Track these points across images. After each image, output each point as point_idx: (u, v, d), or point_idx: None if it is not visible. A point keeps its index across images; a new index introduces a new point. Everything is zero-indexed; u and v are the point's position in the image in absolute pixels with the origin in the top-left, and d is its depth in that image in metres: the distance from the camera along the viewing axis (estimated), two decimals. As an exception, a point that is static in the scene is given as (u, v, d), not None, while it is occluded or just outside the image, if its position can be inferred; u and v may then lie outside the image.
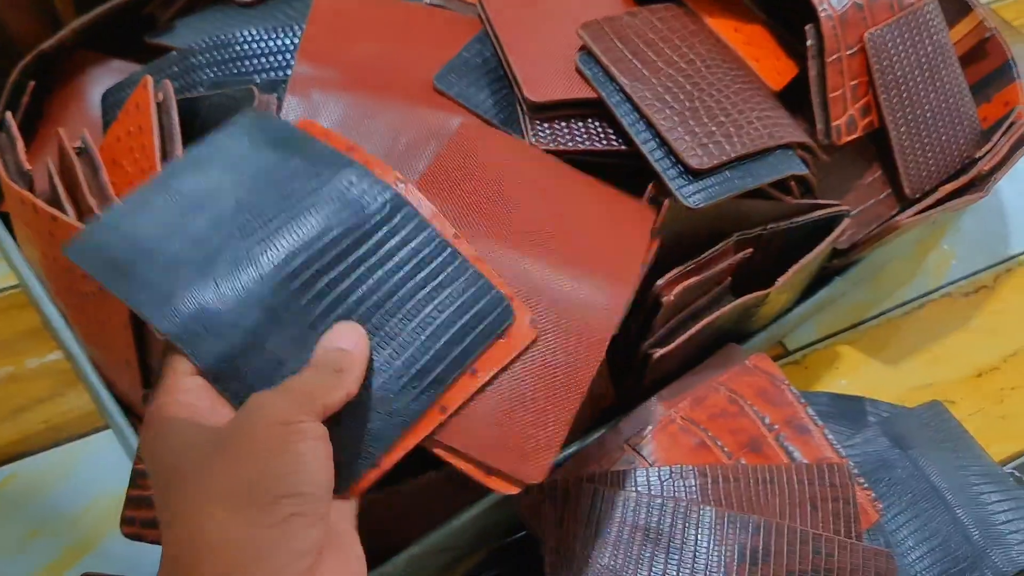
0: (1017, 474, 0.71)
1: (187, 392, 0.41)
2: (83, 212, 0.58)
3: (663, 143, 0.58)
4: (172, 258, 0.43)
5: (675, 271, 0.60)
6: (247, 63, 0.62)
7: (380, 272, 0.45)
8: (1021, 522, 0.67)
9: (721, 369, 0.68)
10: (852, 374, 0.77)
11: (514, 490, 0.45)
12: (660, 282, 0.59)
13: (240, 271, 0.43)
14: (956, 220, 0.88)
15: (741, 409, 0.67)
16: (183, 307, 0.41)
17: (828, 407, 0.72)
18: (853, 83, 0.69)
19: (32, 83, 0.66)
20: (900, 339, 0.80)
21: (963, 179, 0.73)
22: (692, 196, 0.57)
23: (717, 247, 0.61)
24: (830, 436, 0.67)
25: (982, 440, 0.72)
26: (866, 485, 0.65)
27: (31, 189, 0.62)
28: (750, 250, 0.63)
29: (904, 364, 0.78)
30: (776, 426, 0.66)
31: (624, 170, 0.60)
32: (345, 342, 0.43)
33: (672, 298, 0.59)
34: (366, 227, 0.46)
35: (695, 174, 0.58)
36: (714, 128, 0.60)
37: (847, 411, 0.72)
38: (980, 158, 0.75)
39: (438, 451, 0.45)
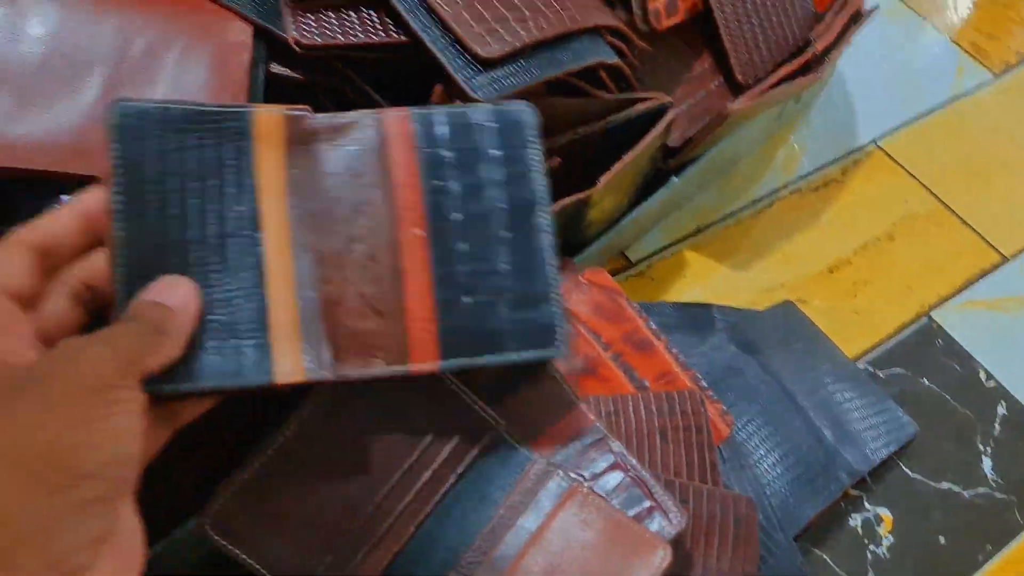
0: (871, 369, 0.68)
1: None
2: None
3: (447, 31, 0.51)
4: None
5: None
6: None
7: None
8: (874, 418, 0.63)
9: (550, 286, 0.62)
10: (702, 281, 0.72)
11: None
12: None
13: None
14: (804, 115, 0.84)
15: (574, 331, 0.61)
16: None
17: (673, 317, 0.67)
18: (672, -39, 0.63)
19: None
20: (749, 240, 0.75)
21: (797, 61, 0.68)
22: (482, 89, 0.50)
23: None
24: (674, 349, 0.62)
25: (837, 337, 0.69)
26: (714, 397, 0.61)
27: None
28: (557, 160, 0.57)
29: (755, 266, 0.74)
30: (612, 345, 0.61)
31: (406, 66, 0.53)
32: (171, 298, 0.36)
33: None
34: None
35: (485, 63, 0.51)
36: (506, 12, 0.53)
37: (694, 320, 0.68)
38: (814, 39, 0.70)
39: None
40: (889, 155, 0.82)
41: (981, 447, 0.64)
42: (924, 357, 0.69)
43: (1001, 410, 0.66)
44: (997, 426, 0.65)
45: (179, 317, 0.35)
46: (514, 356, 0.41)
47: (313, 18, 0.51)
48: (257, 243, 0.38)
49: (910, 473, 0.63)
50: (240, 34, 0.52)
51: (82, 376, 0.30)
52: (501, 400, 0.47)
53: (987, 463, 0.63)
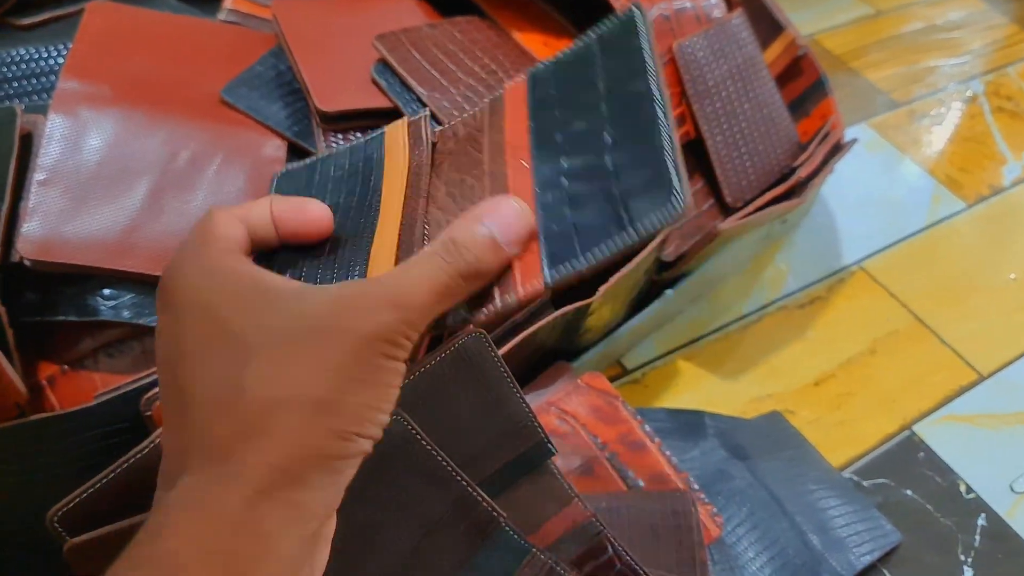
0: (856, 478, 0.71)
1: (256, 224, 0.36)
2: None
3: (463, 151, 0.56)
4: None
5: None
6: (17, 84, 0.58)
7: None
8: (859, 525, 0.66)
9: (550, 389, 0.66)
10: (692, 390, 0.76)
11: None
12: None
13: None
14: (789, 237, 0.89)
15: (572, 430, 0.64)
16: None
17: (666, 422, 0.71)
18: (665, 92, 0.69)
19: None
20: (739, 353, 0.79)
21: (782, 186, 0.73)
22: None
23: None
24: (667, 451, 0.65)
25: (822, 447, 0.72)
26: (705, 499, 0.63)
27: None
28: None
29: (743, 377, 0.77)
30: (607, 445, 0.64)
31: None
32: (502, 222, 0.36)
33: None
34: None
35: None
36: (518, 135, 0.58)
37: (685, 425, 0.71)
38: (798, 167, 0.76)
39: None
40: (871, 276, 0.87)
41: (963, 557, 0.66)
42: (907, 468, 0.72)
43: (981, 522, 0.68)
44: (978, 537, 0.68)
45: (503, 256, 0.37)
46: (628, 237, 0.36)
47: (342, 137, 0.57)
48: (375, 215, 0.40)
49: (894, 580, 0.65)
50: (275, 150, 0.57)
51: (366, 328, 0.30)
52: (502, 493, 0.50)
53: (968, 573, 0.65)
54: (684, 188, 0.35)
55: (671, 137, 0.37)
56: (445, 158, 0.41)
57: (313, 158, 0.45)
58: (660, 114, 0.38)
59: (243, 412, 0.29)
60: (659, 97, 0.39)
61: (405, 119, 0.43)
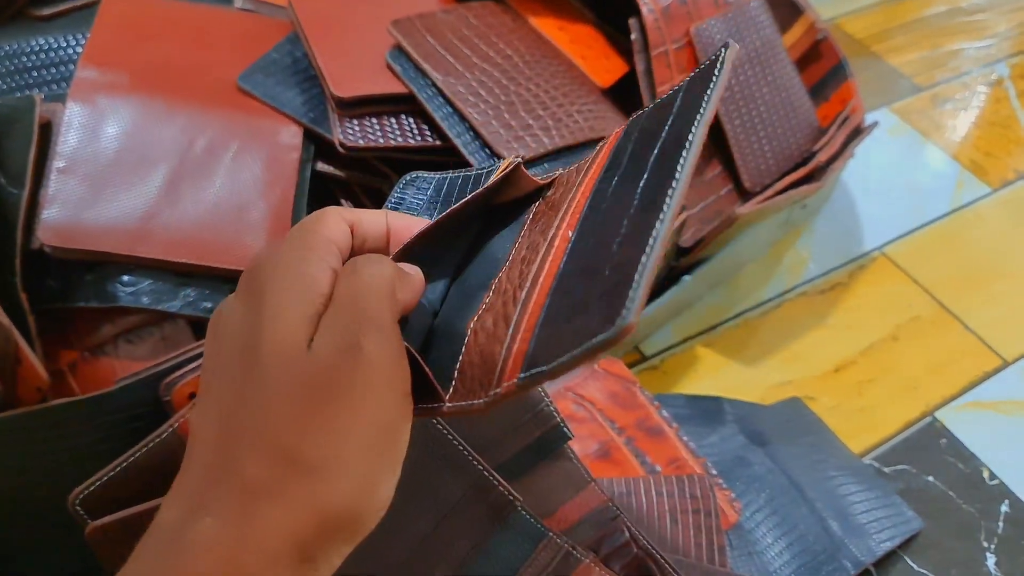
0: (877, 465, 0.70)
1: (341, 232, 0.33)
2: None
3: (477, 136, 0.56)
4: None
5: None
6: (36, 73, 0.58)
7: None
8: (879, 511, 0.65)
9: (567, 374, 0.66)
10: (711, 376, 0.76)
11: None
12: None
13: None
14: (810, 223, 0.89)
15: (590, 415, 0.64)
16: None
17: (685, 408, 0.70)
18: (682, 76, 0.68)
19: None
20: (758, 339, 0.78)
21: (802, 171, 0.73)
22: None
23: None
24: (685, 437, 0.65)
25: (842, 433, 0.71)
26: (724, 485, 0.63)
27: None
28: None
29: (763, 363, 0.77)
30: (625, 430, 0.63)
31: (440, 166, 0.58)
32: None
33: None
34: None
35: (512, 166, 0.55)
36: (531, 121, 0.58)
37: (704, 411, 0.70)
38: (818, 151, 0.75)
39: None
40: (893, 261, 0.86)
41: (985, 544, 0.66)
42: (928, 455, 0.71)
43: (1004, 508, 0.68)
44: (1001, 524, 0.67)
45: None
46: (577, 352, 0.29)
47: (357, 123, 0.57)
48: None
49: (915, 567, 0.64)
50: (291, 136, 0.57)
51: (388, 384, 0.31)
52: (519, 477, 0.50)
53: (991, 559, 0.65)
54: (635, 305, 0.27)
55: (658, 236, 0.29)
56: (544, 213, 0.36)
57: (443, 174, 0.40)
58: (667, 201, 0.29)
59: (278, 464, 0.29)
60: (679, 176, 0.30)
61: (508, 160, 0.38)
